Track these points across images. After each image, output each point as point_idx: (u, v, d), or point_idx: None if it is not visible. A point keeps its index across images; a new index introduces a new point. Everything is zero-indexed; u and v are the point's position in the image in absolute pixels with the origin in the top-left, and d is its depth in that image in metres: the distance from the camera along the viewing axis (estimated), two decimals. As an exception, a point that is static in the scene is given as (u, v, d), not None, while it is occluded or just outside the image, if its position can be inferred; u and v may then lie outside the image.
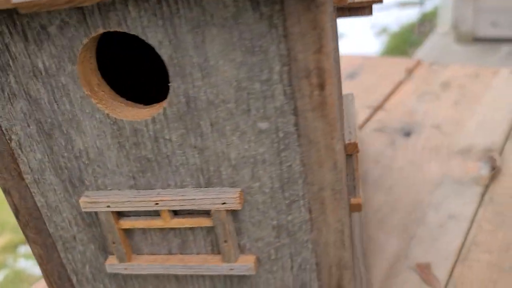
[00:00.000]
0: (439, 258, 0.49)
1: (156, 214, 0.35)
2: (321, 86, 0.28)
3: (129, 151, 0.32)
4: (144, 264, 0.36)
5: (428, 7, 2.87)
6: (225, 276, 0.37)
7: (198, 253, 0.36)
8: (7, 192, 0.36)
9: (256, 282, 0.37)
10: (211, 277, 0.37)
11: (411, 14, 2.89)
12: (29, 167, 0.35)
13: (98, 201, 0.34)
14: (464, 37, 2.20)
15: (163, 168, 0.33)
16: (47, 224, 0.37)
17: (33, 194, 0.36)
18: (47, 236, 0.38)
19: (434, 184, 0.59)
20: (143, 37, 0.28)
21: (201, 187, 0.33)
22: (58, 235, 0.38)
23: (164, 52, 0.28)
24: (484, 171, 0.59)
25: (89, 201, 0.34)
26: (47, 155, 0.34)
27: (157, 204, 0.33)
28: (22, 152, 0.34)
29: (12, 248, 1.61)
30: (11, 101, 0.32)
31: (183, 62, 0.29)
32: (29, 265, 1.56)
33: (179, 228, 0.35)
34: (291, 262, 0.35)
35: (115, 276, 0.39)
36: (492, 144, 0.65)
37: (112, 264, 0.37)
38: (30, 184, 0.35)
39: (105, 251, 0.38)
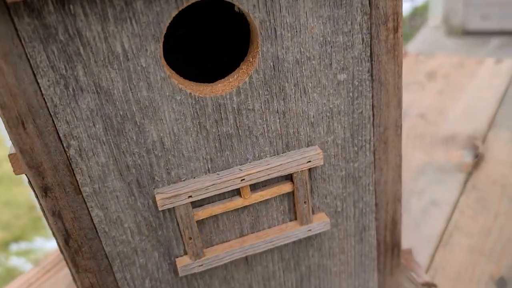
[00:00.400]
0: (422, 243, 0.50)
1: (233, 195, 0.34)
2: (395, 29, 0.32)
3: (209, 130, 0.31)
4: (222, 253, 0.35)
5: (420, 1, 2.86)
6: (293, 243, 0.38)
7: (269, 227, 0.36)
8: (56, 215, 0.30)
9: (321, 240, 0.38)
10: (279, 248, 0.37)
11: (402, 8, 2.87)
12: (89, 176, 0.30)
13: (178, 193, 0.31)
14: (454, 30, 2.23)
15: (242, 142, 0.32)
16: (103, 243, 0.32)
17: (90, 209, 0.31)
18: (103, 258, 0.33)
19: (417, 172, 0.60)
20: (236, 2, 0.28)
21: (278, 154, 0.34)
22: (115, 253, 0.33)
23: (257, 16, 0.29)
24: (467, 158, 0.61)
25: (167, 197, 0.31)
26: (113, 156, 0.30)
27: (243, 180, 0.32)
28: (81, 159, 0.29)
29: (3, 246, 1.55)
30: (76, 98, 0.28)
31: (275, 24, 0.29)
32: (21, 263, 1.52)
33: (253, 205, 0.35)
34: (354, 209, 0.38)
35: (178, 282, 0.36)
36: (475, 132, 0.66)
37: (186, 265, 0.34)
38: (88, 197, 0.31)
39: (170, 256, 0.35)
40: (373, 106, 0.34)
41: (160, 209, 0.31)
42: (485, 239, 0.49)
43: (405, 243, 0.50)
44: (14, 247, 1.59)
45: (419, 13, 2.79)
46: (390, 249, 0.41)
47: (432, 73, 0.81)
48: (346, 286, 0.41)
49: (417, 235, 0.51)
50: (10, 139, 0.28)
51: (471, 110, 0.72)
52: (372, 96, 0.34)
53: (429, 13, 2.54)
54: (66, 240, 0.31)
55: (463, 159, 0.62)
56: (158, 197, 0.31)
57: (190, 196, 0.32)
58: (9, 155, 0.32)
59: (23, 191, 1.79)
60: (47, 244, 1.55)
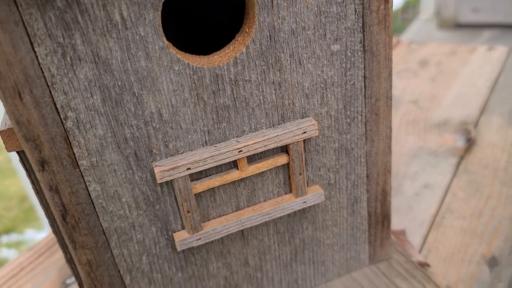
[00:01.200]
0: (415, 225, 0.50)
1: (230, 167, 0.34)
2: (386, 0, 0.32)
3: (207, 102, 0.31)
4: (219, 227, 0.34)
5: (411, -7, 2.82)
6: (288, 216, 0.38)
7: (265, 200, 0.36)
8: (54, 190, 0.30)
9: (315, 212, 0.39)
10: (275, 222, 0.38)
11: (394, 1, 2.68)
12: (86, 149, 0.29)
13: (177, 165, 0.31)
14: (446, 23, 2.20)
15: (239, 114, 0.32)
16: (100, 218, 0.32)
17: (88, 183, 0.30)
18: (100, 234, 0.32)
19: (411, 156, 0.60)
20: (234, -29, 0.28)
21: (273, 126, 0.34)
22: (113, 228, 0.33)
23: (254, -15, 0.29)
24: (460, 142, 0.60)
25: (165, 169, 0.31)
26: (111, 128, 0.29)
27: (240, 151, 0.32)
28: (79, 131, 0.29)
29: (-6, 238, 1.50)
30: (74, 67, 0.27)
31: (271, -7, 0.29)
32: (12, 254, 1.48)
33: (249, 178, 0.35)
34: (346, 181, 0.38)
35: (176, 257, 0.36)
36: (467, 117, 0.65)
37: (184, 239, 0.34)
38: (85, 171, 0.30)
39: (167, 231, 0.34)
40: (365, 77, 0.35)
41: (158, 181, 0.31)
42: (477, 221, 0.50)
43: (398, 225, 0.50)
44: (4, 238, 1.58)
45: (411, 6, 2.76)
46: (381, 221, 0.42)
47: (424, 60, 0.81)
48: (338, 258, 0.42)
49: (410, 217, 0.51)
50: (6, 111, 0.27)
51: (463, 97, 0.71)
52: (364, 67, 0.34)
53: (421, 6, 2.53)
54: (63, 216, 0.31)
55: (456, 143, 0.62)
56: (156, 170, 0.31)
57: (189, 168, 0.32)
58: (1, 132, 0.31)
59: (14, 183, 1.77)
60: (38, 236, 1.55)
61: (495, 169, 0.57)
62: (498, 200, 0.53)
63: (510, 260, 0.45)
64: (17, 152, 0.32)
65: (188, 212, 0.33)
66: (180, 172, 0.32)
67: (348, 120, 0.36)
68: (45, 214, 0.34)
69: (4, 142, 0.31)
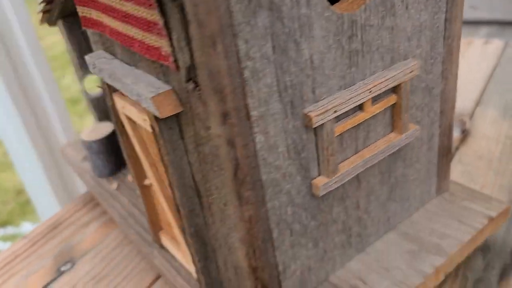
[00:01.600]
0: None
1: (355, 110, 0.34)
2: (465, -51, 0.35)
3: (344, 47, 0.31)
4: (350, 168, 0.35)
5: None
6: (388, 156, 0.39)
7: (375, 141, 0.37)
8: (230, 144, 0.28)
9: (405, 150, 0.40)
10: (379, 162, 0.39)
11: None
12: (258, 99, 0.28)
13: (326, 109, 0.31)
14: None
15: (364, 58, 0.33)
16: (261, 171, 0.31)
17: (255, 135, 0.29)
18: (259, 188, 0.31)
19: None
20: None
21: (385, 68, 0.35)
22: (269, 181, 0.31)
23: None
24: (455, 134, 0.58)
25: (318, 114, 0.31)
26: (276, 77, 0.29)
27: (370, 92, 0.33)
28: (254, 81, 0.28)
29: (-11, 230, 1.32)
30: (255, 15, 0.26)
31: None
32: (6, 247, 1.17)
33: (366, 121, 0.36)
34: (427, 119, 0.41)
35: (311, 205, 0.35)
36: (463, 110, 0.64)
37: (325, 184, 0.34)
38: (254, 122, 0.29)
39: (307, 179, 0.34)
40: (445, 19, 0.37)
41: (313, 126, 0.31)
42: None
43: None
44: (0, 231, 1.46)
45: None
46: (446, 154, 0.45)
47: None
48: (418, 192, 0.44)
49: None
50: (197, 63, 0.25)
51: (459, 89, 0.69)
52: (446, 10, 0.37)
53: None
54: (235, 172, 0.29)
55: None
56: (312, 114, 0.31)
57: (336, 111, 0.32)
58: (153, 98, 0.28)
59: (10, 177, 1.62)
60: (35, 228, 1.41)
61: (489, 160, 0.56)
62: (492, 190, 0.52)
63: (503, 248, 0.45)
64: (162, 120, 0.30)
65: (331, 155, 0.33)
66: (329, 116, 0.32)
67: (432, 60, 0.38)
68: (176, 187, 0.32)
69: (158, 107, 0.29)
